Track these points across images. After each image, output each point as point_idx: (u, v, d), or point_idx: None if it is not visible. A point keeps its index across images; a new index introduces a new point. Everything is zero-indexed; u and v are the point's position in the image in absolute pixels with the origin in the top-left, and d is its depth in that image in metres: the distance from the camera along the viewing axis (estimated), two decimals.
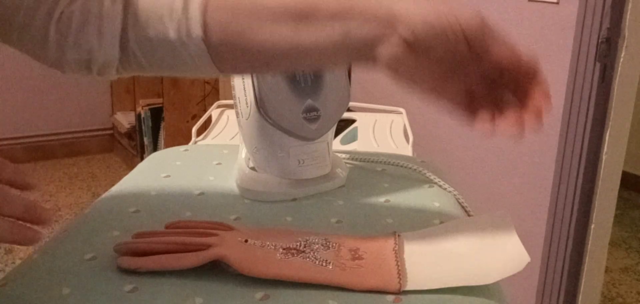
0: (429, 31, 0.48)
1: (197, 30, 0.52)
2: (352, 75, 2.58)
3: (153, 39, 0.53)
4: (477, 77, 0.51)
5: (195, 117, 2.68)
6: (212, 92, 2.70)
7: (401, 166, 0.78)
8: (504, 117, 0.50)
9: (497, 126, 0.50)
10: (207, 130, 1.07)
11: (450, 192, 0.72)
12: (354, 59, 0.52)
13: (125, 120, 3.35)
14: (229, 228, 0.57)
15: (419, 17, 0.48)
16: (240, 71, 0.58)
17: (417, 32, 0.48)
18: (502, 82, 0.51)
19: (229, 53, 0.53)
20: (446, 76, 0.51)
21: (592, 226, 1.62)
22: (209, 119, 1.11)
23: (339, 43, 0.51)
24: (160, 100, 2.85)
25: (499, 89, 0.51)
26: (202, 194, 0.68)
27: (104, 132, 3.55)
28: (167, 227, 0.58)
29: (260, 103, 0.65)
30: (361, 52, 0.51)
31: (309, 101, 0.67)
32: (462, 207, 0.70)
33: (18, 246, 2.47)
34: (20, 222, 0.42)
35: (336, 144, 1.04)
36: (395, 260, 0.52)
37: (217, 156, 0.82)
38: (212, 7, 0.52)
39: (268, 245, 0.53)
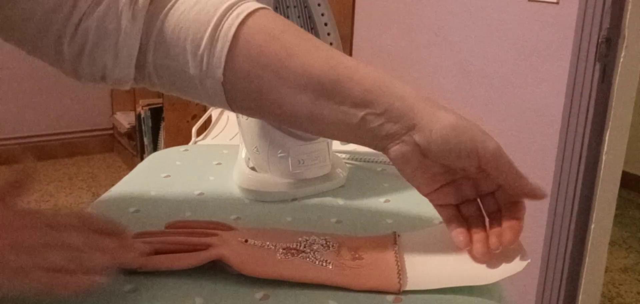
0: (444, 144, 0.48)
1: (218, 73, 0.51)
2: None
3: (172, 68, 0.52)
4: (473, 189, 0.53)
5: (195, 117, 2.68)
6: None
7: None
8: (478, 235, 0.52)
9: (473, 244, 0.51)
10: (207, 130, 1.07)
11: None
12: (365, 143, 0.52)
13: (125, 120, 3.35)
14: (229, 228, 0.57)
15: (438, 127, 0.48)
16: (252, 115, 0.58)
17: (432, 141, 0.48)
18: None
19: (244, 101, 0.52)
20: (446, 181, 0.52)
21: (592, 226, 1.62)
22: (209, 119, 1.11)
23: (354, 127, 0.50)
24: (160, 100, 2.85)
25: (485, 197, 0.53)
26: (202, 194, 0.68)
27: (104, 132, 3.55)
28: (167, 227, 0.58)
29: None
30: (374, 141, 0.51)
31: None
32: None
33: None
34: (119, 247, 0.45)
35: (336, 144, 1.04)
36: (395, 260, 0.52)
37: (217, 156, 0.82)
38: (239, 55, 0.50)
39: (268, 245, 0.53)
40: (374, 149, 0.52)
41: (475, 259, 0.51)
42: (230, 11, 0.51)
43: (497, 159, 0.49)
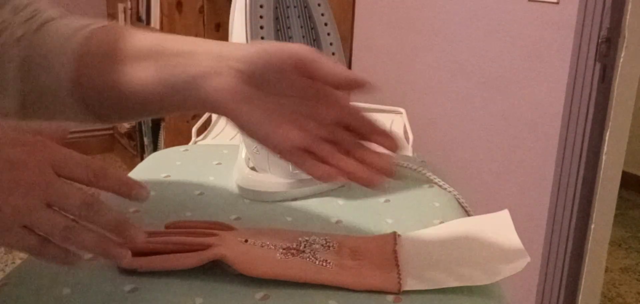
0: (258, 59, 0.48)
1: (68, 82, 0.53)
2: None
3: (42, 87, 0.54)
4: (314, 122, 0.51)
5: (195, 117, 2.68)
6: None
7: (401, 166, 0.78)
8: (342, 161, 0.49)
9: (332, 170, 0.48)
10: (207, 130, 1.07)
11: (450, 192, 0.72)
12: (184, 97, 0.51)
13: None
14: (229, 228, 0.57)
15: (249, 50, 0.49)
16: (111, 113, 0.57)
17: (247, 60, 0.48)
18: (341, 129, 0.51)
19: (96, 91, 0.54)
20: (283, 115, 0.50)
21: (592, 226, 1.62)
22: (209, 119, 1.11)
23: (173, 78, 0.51)
24: None
25: (339, 133, 0.51)
26: (202, 194, 0.68)
27: (104, 132, 3.55)
28: (167, 227, 0.58)
29: None
30: (191, 86, 0.50)
31: None
32: (462, 207, 0.70)
33: None
34: (109, 237, 0.43)
35: None
36: (395, 260, 0.52)
37: (217, 156, 0.82)
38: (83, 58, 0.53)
39: (268, 245, 0.53)
40: (198, 101, 0.50)
41: (354, 176, 0.48)
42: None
43: (313, 58, 0.49)
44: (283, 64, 0.49)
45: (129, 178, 0.46)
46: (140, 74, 0.52)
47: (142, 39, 0.53)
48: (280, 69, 0.49)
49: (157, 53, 0.52)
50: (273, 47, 0.49)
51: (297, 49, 0.49)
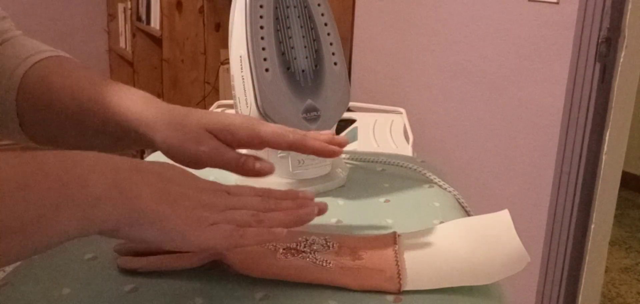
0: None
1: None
2: (352, 75, 2.58)
3: None
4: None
5: None
6: (212, 92, 2.70)
7: (401, 166, 0.78)
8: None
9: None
10: None
11: (450, 192, 0.72)
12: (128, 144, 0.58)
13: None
14: None
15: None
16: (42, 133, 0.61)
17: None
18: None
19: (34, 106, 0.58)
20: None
21: (592, 226, 1.62)
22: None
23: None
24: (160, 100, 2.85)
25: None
26: None
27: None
28: None
29: (260, 103, 0.65)
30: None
31: (309, 101, 0.67)
32: (462, 207, 0.70)
33: None
34: (291, 206, 0.50)
35: None
36: (395, 260, 0.52)
37: None
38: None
39: (268, 245, 0.53)
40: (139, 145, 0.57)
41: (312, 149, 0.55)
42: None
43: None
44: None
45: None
46: (73, 131, 0.57)
47: (81, 90, 0.56)
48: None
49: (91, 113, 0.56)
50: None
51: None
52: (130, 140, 0.55)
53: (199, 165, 0.54)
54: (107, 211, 0.39)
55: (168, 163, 0.48)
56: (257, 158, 0.54)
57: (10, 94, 0.58)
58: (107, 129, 0.55)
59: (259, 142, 0.55)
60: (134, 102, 0.55)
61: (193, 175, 0.49)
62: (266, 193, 0.51)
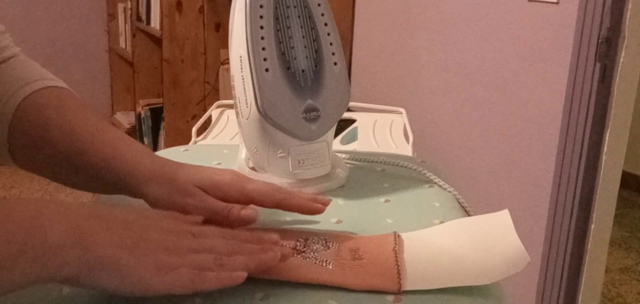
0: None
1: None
2: (352, 75, 2.58)
3: None
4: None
5: (195, 117, 2.68)
6: (212, 92, 2.70)
7: (401, 166, 0.78)
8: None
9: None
10: (207, 130, 1.07)
11: (450, 192, 0.72)
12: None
13: (125, 120, 3.35)
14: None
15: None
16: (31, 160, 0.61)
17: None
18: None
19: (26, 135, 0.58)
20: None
21: (592, 226, 1.62)
22: (209, 119, 1.11)
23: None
24: (160, 100, 2.85)
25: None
26: None
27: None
28: None
29: (260, 103, 0.65)
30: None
31: (309, 101, 0.67)
32: (462, 207, 0.70)
33: None
34: (255, 249, 0.49)
35: (336, 144, 1.04)
36: (395, 260, 0.52)
37: (217, 156, 0.82)
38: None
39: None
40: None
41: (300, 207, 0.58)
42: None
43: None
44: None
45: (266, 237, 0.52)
46: (69, 174, 0.57)
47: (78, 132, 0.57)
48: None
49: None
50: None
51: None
52: (120, 188, 0.56)
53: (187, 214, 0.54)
54: (65, 259, 0.39)
55: (130, 207, 0.49)
56: (242, 207, 0.55)
57: (4, 117, 0.58)
58: (98, 174, 0.55)
59: (246, 200, 0.56)
60: (128, 154, 0.55)
61: (156, 217, 0.49)
62: (231, 235, 0.51)
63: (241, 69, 0.66)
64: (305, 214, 0.59)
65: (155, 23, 2.71)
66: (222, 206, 0.55)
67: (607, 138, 1.55)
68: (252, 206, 0.56)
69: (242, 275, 0.46)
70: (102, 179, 0.55)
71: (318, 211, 0.59)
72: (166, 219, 0.50)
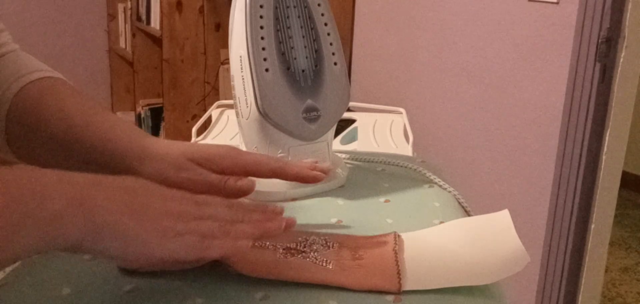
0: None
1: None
2: (352, 75, 2.58)
3: None
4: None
5: (195, 117, 2.68)
6: (212, 92, 2.70)
7: (401, 166, 0.78)
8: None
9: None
10: (207, 130, 1.07)
11: (450, 192, 0.72)
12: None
13: (125, 120, 3.35)
14: None
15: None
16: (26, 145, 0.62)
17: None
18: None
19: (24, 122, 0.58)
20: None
21: (592, 226, 1.62)
22: (209, 119, 1.11)
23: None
24: (160, 100, 2.85)
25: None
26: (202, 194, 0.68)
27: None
28: None
29: (260, 103, 0.65)
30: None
31: (309, 101, 0.67)
32: (462, 207, 0.70)
33: None
34: (259, 219, 0.50)
35: (336, 144, 1.04)
36: (395, 260, 0.52)
37: None
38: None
39: (268, 245, 0.53)
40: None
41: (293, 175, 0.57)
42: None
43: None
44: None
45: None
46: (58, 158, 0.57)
47: (69, 116, 0.57)
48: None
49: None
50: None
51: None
52: (117, 169, 0.56)
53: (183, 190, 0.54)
54: (68, 226, 0.39)
55: (133, 176, 0.48)
56: (237, 178, 0.55)
57: (1, 108, 0.58)
58: (94, 158, 0.55)
59: (241, 170, 0.56)
60: (121, 135, 0.56)
61: (159, 185, 0.49)
62: (235, 204, 0.51)
63: (241, 69, 0.66)
64: (304, 183, 0.58)
65: (155, 23, 2.71)
66: (218, 178, 0.54)
67: (607, 138, 1.55)
68: (249, 177, 0.56)
69: (247, 243, 0.46)
70: (97, 162, 0.55)
71: (317, 179, 0.58)
72: (169, 189, 0.50)
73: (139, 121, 2.96)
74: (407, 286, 0.48)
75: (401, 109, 1.17)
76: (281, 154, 0.68)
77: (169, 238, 0.43)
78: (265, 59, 0.65)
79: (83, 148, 0.55)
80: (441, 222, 0.62)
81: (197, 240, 0.44)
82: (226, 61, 2.67)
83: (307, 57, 0.67)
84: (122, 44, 3.33)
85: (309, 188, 0.69)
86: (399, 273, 0.50)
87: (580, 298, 1.69)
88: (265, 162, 0.57)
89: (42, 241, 0.38)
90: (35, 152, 0.58)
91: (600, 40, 1.48)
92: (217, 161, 0.56)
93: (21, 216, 0.37)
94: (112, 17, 3.45)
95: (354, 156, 0.82)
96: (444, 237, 0.55)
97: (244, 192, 0.54)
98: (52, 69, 0.62)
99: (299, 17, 0.67)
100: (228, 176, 0.55)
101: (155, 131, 2.93)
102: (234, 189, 0.54)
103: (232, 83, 0.70)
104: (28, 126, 0.57)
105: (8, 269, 0.49)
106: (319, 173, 0.58)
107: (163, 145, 0.56)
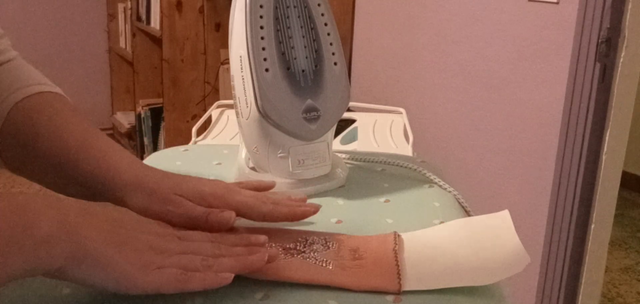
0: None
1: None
2: (352, 75, 2.58)
3: None
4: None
5: (195, 117, 2.68)
6: (212, 92, 2.70)
7: (401, 166, 0.78)
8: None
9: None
10: (207, 130, 1.07)
11: (450, 192, 0.72)
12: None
13: (125, 120, 3.35)
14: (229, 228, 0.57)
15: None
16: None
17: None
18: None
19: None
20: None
21: (592, 226, 1.62)
22: (209, 119, 1.11)
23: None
24: (160, 100, 2.85)
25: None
26: None
27: (104, 132, 3.55)
28: None
29: (260, 103, 0.65)
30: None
31: (309, 101, 0.67)
32: (462, 207, 0.70)
33: None
34: (241, 252, 0.49)
35: (336, 144, 1.04)
36: (395, 260, 0.52)
37: (217, 156, 0.82)
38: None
39: (267, 244, 0.53)
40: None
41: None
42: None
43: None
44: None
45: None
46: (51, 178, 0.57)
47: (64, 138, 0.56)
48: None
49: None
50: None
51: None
52: (104, 196, 0.56)
53: (168, 223, 0.54)
54: (54, 251, 0.40)
55: (120, 208, 0.49)
56: (222, 210, 0.54)
57: None
58: (86, 182, 0.55)
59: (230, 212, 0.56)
60: (112, 162, 0.55)
61: (144, 219, 0.50)
62: (218, 239, 0.51)
63: (241, 69, 0.66)
64: (295, 221, 0.59)
65: (155, 23, 2.71)
66: (202, 211, 0.54)
67: (607, 138, 1.55)
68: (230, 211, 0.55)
69: (229, 277, 0.46)
70: (88, 187, 0.55)
71: (307, 214, 0.59)
72: (153, 223, 0.50)
73: (139, 120, 2.96)
74: (407, 286, 0.48)
75: (401, 109, 1.17)
76: (281, 154, 0.68)
77: (150, 271, 0.44)
78: (265, 59, 0.65)
79: (75, 171, 0.55)
80: (441, 222, 0.62)
81: (179, 273, 0.44)
82: (226, 61, 2.67)
83: (307, 57, 0.67)
84: (122, 44, 3.33)
85: (309, 188, 0.69)
86: (399, 273, 0.50)
87: (580, 298, 1.69)
88: (256, 206, 0.57)
89: (27, 265, 0.39)
90: (27, 167, 0.58)
91: (600, 40, 1.48)
92: (208, 199, 0.55)
93: (7, 242, 0.38)
94: (112, 17, 3.45)
95: (354, 156, 0.82)
96: (444, 237, 0.55)
97: (227, 223, 0.54)
98: (51, 83, 0.62)
99: (299, 17, 0.67)
100: (211, 209, 0.54)
101: (155, 131, 2.93)
102: (217, 220, 0.54)
103: (232, 83, 0.70)
104: (22, 141, 0.57)
105: None
106: (308, 209, 0.58)
107: (154, 177, 0.56)
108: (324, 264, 0.51)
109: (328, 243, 0.54)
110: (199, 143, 0.99)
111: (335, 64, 0.69)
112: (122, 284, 0.42)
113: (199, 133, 1.01)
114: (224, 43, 2.65)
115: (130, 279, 0.43)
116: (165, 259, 0.45)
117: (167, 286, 0.44)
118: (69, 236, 0.40)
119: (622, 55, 1.50)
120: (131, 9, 3.02)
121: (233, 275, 0.46)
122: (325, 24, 0.69)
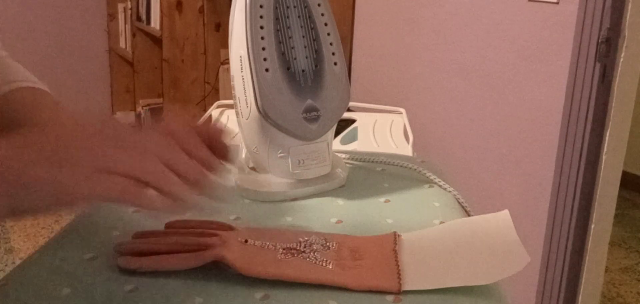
0: None
1: None
2: (352, 75, 2.58)
3: None
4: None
5: (195, 118, 2.68)
6: (212, 92, 2.70)
7: (401, 166, 0.78)
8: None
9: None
10: None
11: (450, 192, 0.72)
12: None
13: (125, 120, 3.35)
14: (229, 228, 0.57)
15: None
16: None
17: None
18: None
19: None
20: None
21: (592, 226, 1.62)
22: (209, 119, 1.11)
23: None
24: (160, 100, 2.85)
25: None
26: None
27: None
28: (167, 226, 0.58)
29: (260, 103, 0.65)
30: None
31: (309, 101, 0.67)
32: (462, 207, 0.70)
33: (18, 246, 2.47)
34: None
35: (336, 144, 1.04)
36: (395, 260, 0.52)
37: None
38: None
39: (268, 245, 0.53)
40: None
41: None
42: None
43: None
44: None
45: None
46: None
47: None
48: None
49: None
50: None
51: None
52: None
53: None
54: None
55: (114, 120, 0.47)
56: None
57: None
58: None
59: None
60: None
61: (83, 125, 0.47)
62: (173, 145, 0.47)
63: (241, 69, 0.66)
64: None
65: (155, 23, 2.71)
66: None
67: (607, 138, 1.55)
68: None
69: (182, 205, 0.44)
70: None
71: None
72: (98, 131, 0.47)
73: (139, 120, 2.96)
74: (407, 286, 0.49)
75: (401, 109, 1.17)
76: (281, 154, 0.68)
77: (93, 176, 0.42)
78: (265, 59, 0.65)
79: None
80: (441, 222, 0.62)
81: (123, 184, 0.42)
82: (226, 61, 2.67)
83: (307, 57, 0.67)
84: (122, 44, 3.32)
85: (309, 188, 0.69)
86: (399, 273, 0.50)
87: (580, 298, 1.69)
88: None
89: None
90: None
91: (600, 41, 1.48)
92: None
93: None
94: (112, 17, 3.45)
95: (354, 156, 0.82)
96: (444, 237, 0.55)
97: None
98: (36, 79, 0.62)
99: (299, 17, 0.67)
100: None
101: None
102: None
103: (232, 83, 0.70)
104: (3, 133, 0.58)
105: (8, 270, 0.49)
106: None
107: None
108: (324, 264, 0.51)
109: (328, 243, 0.54)
110: None
111: (335, 64, 0.69)
112: (67, 197, 0.41)
113: None
114: (224, 43, 2.65)
115: (75, 190, 0.41)
116: (112, 165, 0.43)
117: (111, 193, 0.42)
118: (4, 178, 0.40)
119: (622, 56, 1.50)
120: (131, 9, 3.02)
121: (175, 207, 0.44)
122: (325, 24, 0.69)
